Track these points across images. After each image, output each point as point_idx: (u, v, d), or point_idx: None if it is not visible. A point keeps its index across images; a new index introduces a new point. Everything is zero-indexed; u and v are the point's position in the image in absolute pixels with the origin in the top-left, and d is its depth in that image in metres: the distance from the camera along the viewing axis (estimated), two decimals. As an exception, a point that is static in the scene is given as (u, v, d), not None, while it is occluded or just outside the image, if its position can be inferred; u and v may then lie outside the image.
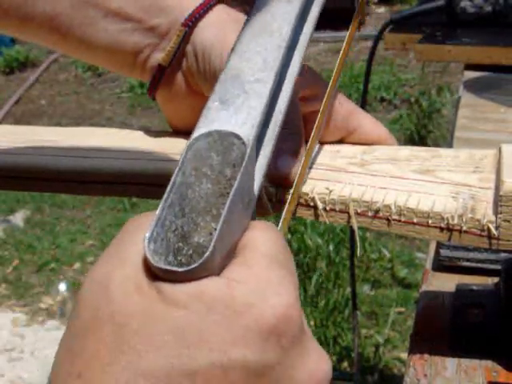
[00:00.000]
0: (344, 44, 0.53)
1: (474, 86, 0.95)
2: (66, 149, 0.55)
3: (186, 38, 0.52)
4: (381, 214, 0.45)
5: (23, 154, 0.55)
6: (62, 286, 2.35)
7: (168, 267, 0.29)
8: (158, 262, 0.29)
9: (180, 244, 0.29)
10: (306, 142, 0.54)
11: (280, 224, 0.42)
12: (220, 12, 0.53)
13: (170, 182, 0.30)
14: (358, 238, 0.49)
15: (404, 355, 1.84)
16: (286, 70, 0.39)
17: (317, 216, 0.47)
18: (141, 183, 0.51)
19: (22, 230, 2.70)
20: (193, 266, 0.28)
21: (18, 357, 2.07)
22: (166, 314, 0.29)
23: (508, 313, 0.51)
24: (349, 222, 0.46)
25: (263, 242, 0.32)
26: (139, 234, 0.30)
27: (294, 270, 0.33)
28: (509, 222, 0.43)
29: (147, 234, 0.29)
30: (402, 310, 2.12)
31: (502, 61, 0.99)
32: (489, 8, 1.08)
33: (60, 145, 0.56)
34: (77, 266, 2.47)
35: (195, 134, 0.32)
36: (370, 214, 0.45)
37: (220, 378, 0.28)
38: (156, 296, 0.29)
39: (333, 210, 0.46)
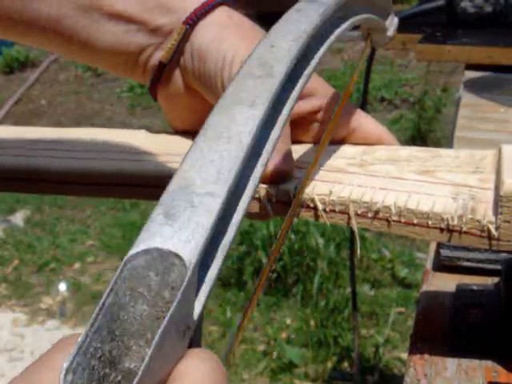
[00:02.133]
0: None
1: (474, 86, 0.95)
2: (67, 149, 0.55)
3: (186, 36, 0.52)
4: (381, 215, 0.45)
5: (23, 155, 0.55)
6: (62, 286, 2.35)
7: None
8: None
9: (107, 370, 0.26)
10: (297, 142, 0.54)
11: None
12: (222, 14, 0.53)
13: (98, 305, 0.27)
14: (358, 239, 0.49)
15: (404, 355, 1.84)
16: (245, 183, 0.35)
17: (317, 217, 0.46)
18: (141, 185, 0.51)
19: (22, 230, 2.70)
20: None
21: (18, 357, 2.07)
22: None
23: (508, 313, 0.51)
24: (349, 223, 0.46)
25: (195, 376, 0.29)
26: (61, 359, 0.27)
27: None
28: (509, 222, 0.43)
29: (65, 365, 0.26)
30: (402, 310, 2.12)
31: (502, 61, 0.99)
32: (489, 8, 1.08)
33: (60, 145, 0.56)
34: (77, 266, 2.47)
35: (133, 251, 0.29)
36: (369, 214, 0.45)
37: None
38: None
39: (333, 210, 0.46)
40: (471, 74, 1.00)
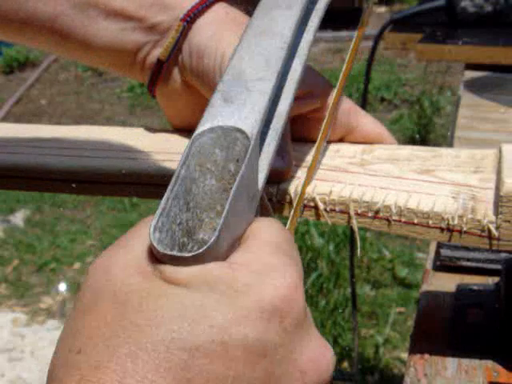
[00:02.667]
0: (350, 51, 0.53)
1: (474, 86, 0.95)
2: (66, 148, 0.55)
3: (183, 33, 0.52)
4: (381, 215, 0.45)
5: (23, 153, 0.55)
6: (62, 286, 2.35)
7: (173, 253, 0.29)
8: (163, 249, 0.29)
9: (185, 239, 0.29)
10: (302, 140, 0.54)
11: (288, 225, 0.42)
12: (219, 10, 0.53)
13: (175, 174, 0.30)
14: (358, 239, 0.49)
15: (404, 355, 1.84)
16: (288, 73, 0.39)
17: (317, 216, 0.46)
18: (141, 183, 0.51)
19: (22, 230, 2.70)
20: (197, 251, 0.29)
21: (18, 357, 2.06)
22: (167, 291, 0.29)
23: (508, 313, 0.51)
24: (349, 222, 0.46)
25: (267, 231, 0.32)
26: (145, 229, 0.31)
27: (298, 259, 0.33)
28: (509, 222, 0.43)
29: (152, 222, 0.29)
30: (403, 310, 2.12)
31: (502, 60, 0.99)
32: (489, 8, 1.08)
33: (60, 144, 0.56)
34: (77, 265, 2.47)
35: (199, 130, 0.32)
36: (370, 214, 0.45)
37: (220, 355, 0.28)
38: (158, 276, 0.30)
39: (333, 210, 0.46)
40: (471, 74, 1.00)
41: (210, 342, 0.28)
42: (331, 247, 2.29)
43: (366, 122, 0.54)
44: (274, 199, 0.47)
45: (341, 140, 0.54)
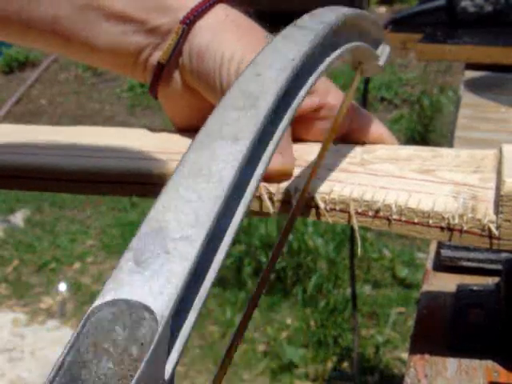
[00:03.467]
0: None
1: (474, 86, 0.95)
2: (66, 148, 0.55)
3: (184, 35, 0.52)
4: (381, 214, 0.45)
5: (23, 153, 0.55)
6: (62, 286, 2.35)
7: None
8: None
9: None
10: (299, 140, 0.54)
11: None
12: (220, 12, 0.53)
13: (56, 363, 0.25)
14: (358, 238, 0.49)
15: (404, 355, 1.84)
16: (227, 224, 0.31)
17: (317, 216, 0.46)
18: (141, 182, 0.51)
19: (22, 230, 2.70)
20: None
21: (18, 357, 2.06)
22: None
23: (509, 313, 0.51)
24: (349, 221, 0.46)
25: None
26: None
27: None
28: (509, 221, 0.43)
29: None
30: (403, 310, 2.12)
31: (503, 60, 0.99)
32: (489, 8, 1.08)
33: (60, 144, 0.56)
34: (77, 266, 2.47)
35: (98, 302, 0.26)
36: (370, 213, 0.45)
37: None
38: None
39: (333, 209, 0.46)
40: (471, 74, 1.00)
41: None
42: (331, 247, 2.29)
43: (368, 122, 0.54)
44: (274, 198, 0.47)
45: (342, 140, 0.54)
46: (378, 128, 0.54)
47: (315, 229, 2.33)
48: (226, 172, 0.31)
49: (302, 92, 0.39)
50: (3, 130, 0.62)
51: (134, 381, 0.24)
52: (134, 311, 0.26)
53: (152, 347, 0.25)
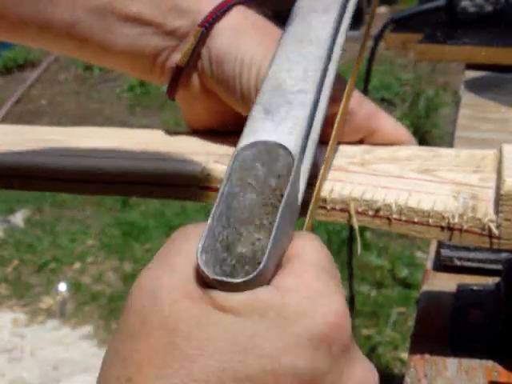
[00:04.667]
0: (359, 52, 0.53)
1: (474, 86, 0.95)
2: (67, 148, 0.55)
3: (202, 39, 0.52)
4: (381, 213, 0.45)
5: (24, 153, 0.55)
6: (62, 286, 2.35)
7: (223, 279, 0.29)
8: (212, 273, 0.29)
9: (224, 254, 0.29)
10: (324, 143, 0.54)
11: (304, 227, 0.42)
12: (238, 15, 0.53)
13: (219, 192, 0.30)
14: (358, 238, 0.49)
15: (404, 355, 1.84)
16: (324, 80, 0.39)
17: (317, 215, 0.46)
18: (141, 183, 0.51)
19: (22, 230, 2.70)
20: (248, 277, 0.29)
21: (18, 357, 2.06)
22: (218, 319, 0.29)
23: (509, 313, 0.51)
24: (349, 221, 0.46)
25: (310, 251, 0.32)
26: (186, 245, 0.31)
27: (339, 279, 0.33)
28: (510, 221, 0.43)
29: (199, 245, 0.29)
30: (403, 310, 2.12)
31: (503, 60, 0.99)
32: (489, 8, 1.08)
33: (60, 144, 0.56)
34: (77, 265, 2.47)
35: (241, 144, 0.32)
36: (370, 213, 0.45)
37: None
38: (208, 303, 0.29)
39: (333, 208, 0.46)
40: (471, 74, 1.00)
41: (262, 371, 0.28)
42: (331, 247, 2.28)
43: (387, 124, 0.54)
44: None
45: (361, 142, 0.54)
46: (397, 130, 0.54)
47: (316, 228, 2.33)
48: (324, 37, 0.38)
49: None
50: (3, 130, 0.62)
51: (280, 208, 0.30)
52: (272, 150, 0.32)
53: (291, 178, 0.31)
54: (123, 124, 3.42)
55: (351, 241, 1.28)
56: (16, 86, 3.99)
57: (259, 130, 0.32)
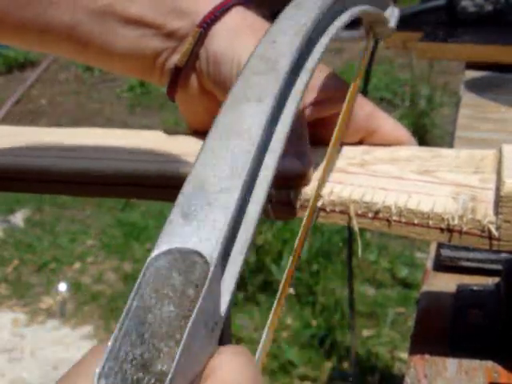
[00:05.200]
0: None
1: (474, 86, 0.95)
2: (67, 149, 0.55)
3: (200, 39, 0.52)
4: (381, 215, 0.45)
5: (23, 155, 0.55)
6: (62, 286, 2.35)
7: None
8: None
9: (140, 374, 0.26)
10: (320, 144, 0.54)
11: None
12: (236, 16, 0.53)
13: (125, 309, 0.28)
14: (359, 239, 0.49)
15: (404, 355, 1.84)
16: (257, 176, 0.35)
17: (317, 217, 0.46)
18: (141, 184, 0.51)
19: (22, 230, 2.70)
20: None
21: (18, 357, 2.06)
22: None
23: (509, 313, 0.51)
24: (349, 223, 0.46)
25: (227, 369, 0.29)
26: (94, 365, 0.28)
27: None
28: (509, 222, 0.43)
29: (97, 370, 0.27)
30: (403, 310, 2.12)
31: (503, 59, 0.99)
32: (489, 7, 1.08)
33: (60, 145, 0.56)
34: (77, 266, 2.47)
35: (154, 253, 0.29)
36: (370, 215, 0.45)
37: None
38: None
39: (333, 211, 0.46)
40: (472, 73, 1.00)
41: None
42: (331, 247, 2.28)
43: (387, 125, 0.54)
44: (273, 200, 0.47)
45: (360, 142, 0.54)
46: (397, 130, 0.54)
47: (316, 228, 2.33)
48: (254, 129, 0.35)
49: (316, 54, 0.42)
50: (2, 132, 0.61)
51: (192, 318, 0.27)
52: (187, 257, 0.29)
53: (205, 286, 0.28)
54: (123, 124, 3.42)
55: (351, 241, 1.28)
56: (16, 85, 3.99)
57: (176, 235, 0.30)
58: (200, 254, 0.29)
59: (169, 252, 0.29)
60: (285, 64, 0.38)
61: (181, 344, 0.26)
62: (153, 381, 0.26)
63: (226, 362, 0.29)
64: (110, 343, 0.27)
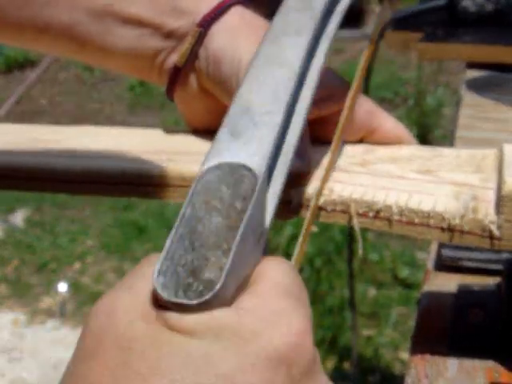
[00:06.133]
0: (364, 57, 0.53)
1: (475, 86, 0.95)
2: (67, 148, 0.55)
3: (200, 39, 0.52)
4: (382, 215, 0.45)
5: (23, 153, 0.54)
6: (62, 286, 2.35)
7: (178, 300, 0.28)
8: (168, 296, 0.28)
9: (190, 280, 0.28)
10: (320, 142, 0.54)
11: (303, 228, 0.42)
12: (235, 15, 0.53)
13: (180, 215, 0.30)
14: (359, 239, 0.49)
15: (405, 356, 1.84)
16: (296, 103, 0.38)
17: (318, 216, 0.46)
18: (141, 183, 0.51)
19: (22, 229, 2.70)
20: (203, 299, 0.28)
21: (18, 357, 2.06)
22: (170, 339, 0.28)
23: (510, 313, 0.51)
24: (350, 222, 0.46)
25: (275, 273, 0.31)
26: (148, 268, 0.30)
27: (306, 302, 0.32)
28: (510, 222, 0.43)
29: (156, 267, 0.29)
30: (404, 310, 2.12)
31: (504, 59, 0.99)
32: (490, 7, 1.08)
33: (60, 144, 0.56)
34: (77, 266, 2.47)
35: (205, 166, 0.31)
36: (371, 214, 0.45)
37: None
38: (163, 323, 0.29)
39: (334, 210, 0.46)
40: (472, 73, 1.00)
41: None
42: (331, 247, 2.28)
43: (387, 124, 0.54)
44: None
45: (360, 141, 0.54)
46: (397, 130, 0.54)
47: (316, 228, 2.33)
48: (294, 59, 0.37)
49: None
50: (3, 130, 0.61)
51: (240, 229, 0.29)
52: (236, 171, 0.31)
53: (253, 198, 0.30)
54: (123, 124, 3.42)
55: (351, 241, 1.28)
56: (16, 85, 3.99)
57: (224, 151, 0.32)
58: (248, 168, 0.31)
59: (218, 167, 0.31)
60: (320, 3, 0.42)
61: (230, 254, 0.28)
62: (201, 288, 0.28)
63: (274, 266, 0.31)
64: (166, 244, 0.29)
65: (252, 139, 0.32)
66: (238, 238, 0.29)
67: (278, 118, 0.34)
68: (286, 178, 0.35)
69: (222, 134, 0.33)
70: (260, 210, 0.31)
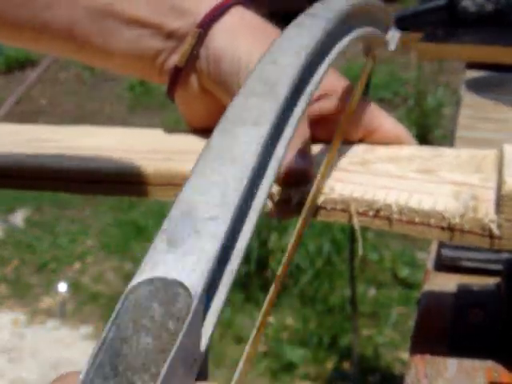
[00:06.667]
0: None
1: (475, 86, 0.95)
2: (67, 148, 0.55)
3: (200, 39, 0.52)
4: (382, 214, 0.45)
5: (23, 153, 0.54)
6: (62, 286, 2.35)
7: None
8: None
9: None
10: (321, 141, 0.54)
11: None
12: (236, 15, 0.53)
13: (100, 340, 0.26)
14: (359, 238, 0.49)
15: (405, 355, 1.84)
16: (250, 204, 0.33)
17: (318, 215, 0.46)
18: (141, 183, 0.51)
19: (22, 229, 2.70)
20: None
21: (18, 357, 2.06)
22: None
23: (509, 313, 0.51)
24: (350, 221, 0.46)
25: None
26: None
27: None
28: (510, 221, 0.43)
29: None
30: (404, 310, 2.12)
31: (504, 59, 0.99)
32: (490, 7, 1.08)
33: (60, 144, 0.56)
34: (77, 266, 2.47)
35: (135, 281, 0.28)
36: (371, 213, 0.45)
37: None
38: None
39: (334, 209, 0.46)
40: (472, 73, 1.00)
41: None
42: (332, 247, 2.28)
43: (387, 124, 0.54)
44: (274, 199, 0.47)
45: (360, 141, 0.54)
46: (397, 130, 0.54)
47: (316, 228, 2.33)
48: (249, 155, 0.32)
49: (317, 77, 0.40)
50: (3, 130, 0.61)
51: (172, 353, 0.25)
52: (170, 288, 0.27)
53: (188, 320, 0.26)
54: (123, 124, 3.42)
55: (352, 241, 1.28)
56: (16, 85, 3.99)
57: (159, 263, 0.28)
58: (184, 286, 0.27)
59: (150, 281, 0.28)
60: (284, 87, 0.36)
61: (159, 379, 0.25)
62: None
63: None
64: (81, 376, 0.25)
65: (191, 250, 0.28)
66: (168, 361, 0.25)
67: (224, 227, 0.29)
68: (230, 290, 0.30)
69: (158, 241, 0.29)
70: (195, 332, 0.28)
